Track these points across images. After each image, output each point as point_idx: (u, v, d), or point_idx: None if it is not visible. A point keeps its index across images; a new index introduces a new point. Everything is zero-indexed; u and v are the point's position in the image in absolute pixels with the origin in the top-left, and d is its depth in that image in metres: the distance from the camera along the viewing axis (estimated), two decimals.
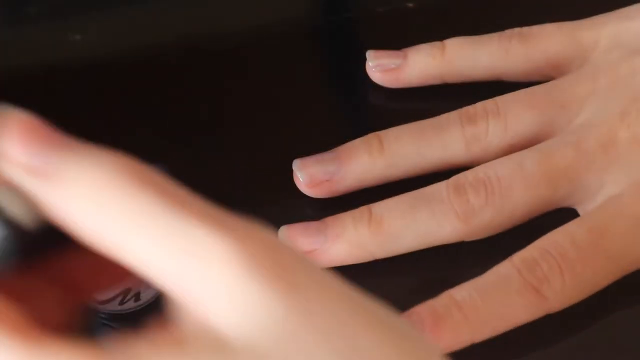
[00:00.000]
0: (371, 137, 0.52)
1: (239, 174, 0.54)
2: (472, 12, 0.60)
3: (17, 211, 0.29)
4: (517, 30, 0.54)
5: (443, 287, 0.50)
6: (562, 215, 0.50)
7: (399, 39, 0.56)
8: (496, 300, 0.46)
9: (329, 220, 0.50)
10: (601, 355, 0.48)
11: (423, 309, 0.46)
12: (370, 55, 0.56)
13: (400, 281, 0.50)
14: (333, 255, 0.49)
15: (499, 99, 0.52)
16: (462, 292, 0.47)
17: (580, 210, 0.50)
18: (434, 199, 0.49)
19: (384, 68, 0.55)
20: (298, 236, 0.50)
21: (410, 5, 0.60)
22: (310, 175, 0.52)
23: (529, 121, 0.51)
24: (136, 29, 0.60)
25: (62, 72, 0.58)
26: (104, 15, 0.60)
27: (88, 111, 0.56)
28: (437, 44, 0.55)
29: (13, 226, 0.29)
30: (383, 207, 0.50)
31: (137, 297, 0.48)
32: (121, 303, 0.48)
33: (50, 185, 0.29)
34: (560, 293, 0.47)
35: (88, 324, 0.31)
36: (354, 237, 0.49)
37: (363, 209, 0.50)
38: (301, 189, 0.52)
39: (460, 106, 0.53)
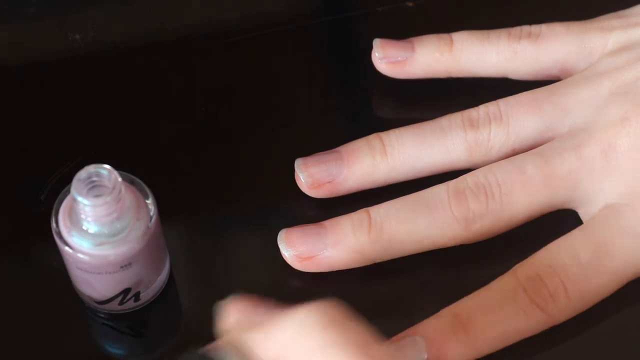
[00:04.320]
0: (374, 139, 0.52)
1: (239, 171, 0.54)
2: (472, 11, 0.59)
3: None
4: (526, 28, 0.54)
5: (443, 286, 0.50)
6: (562, 212, 0.51)
7: (399, 38, 0.56)
8: (502, 320, 0.47)
9: (328, 225, 0.50)
10: (601, 355, 0.49)
11: (429, 328, 0.47)
12: (377, 44, 0.55)
13: (401, 280, 0.50)
14: (333, 261, 0.49)
15: (502, 103, 0.52)
16: (467, 311, 0.47)
17: (580, 213, 0.50)
18: (435, 205, 0.49)
19: (391, 60, 0.55)
20: (297, 242, 0.50)
21: (410, 4, 0.60)
22: (311, 176, 0.51)
23: (532, 126, 0.51)
24: (136, 28, 0.60)
25: (62, 71, 0.58)
26: (103, 15, 0.60)
27: (88, 110, 0.56)
28: (444, 37, 0.55)
29: None
30: (383, 213, 0.49)
31: (137, 297, 0.48)
32: (121, 303, 0.48)
33: (262, 337, 0.38)
34: (564, 309, 0.47)
35: None
36: (353, 244, 0.49)
37: (362, 214, 0.50)
38: (302, 189, 0.52)
39: (463, 102, 0.53)
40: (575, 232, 0.49)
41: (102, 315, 0.49)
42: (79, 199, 0.45)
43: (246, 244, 0.52)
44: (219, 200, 0.54)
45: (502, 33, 0.54)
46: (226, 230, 0.53)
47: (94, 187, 0.45)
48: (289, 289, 0.51)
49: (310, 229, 0.50)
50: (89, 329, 0.50)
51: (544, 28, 0.54)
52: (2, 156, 0.55)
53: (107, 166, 0.45)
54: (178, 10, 0.60)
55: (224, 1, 0.61)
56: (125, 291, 0.48)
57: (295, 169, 0.52)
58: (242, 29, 0.59)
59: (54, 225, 0.47)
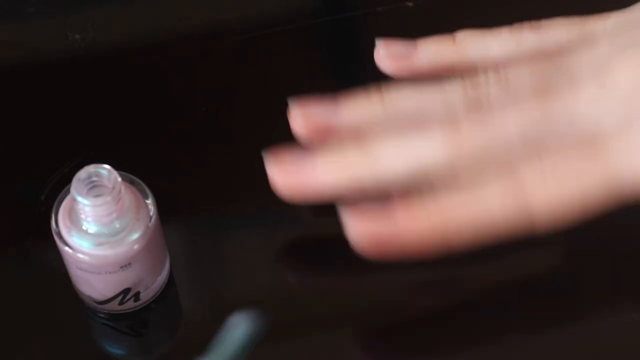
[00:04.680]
0: (372, 88, 0.51)
1: (239, 171, 0.54)
2: (472, 11, 0.60)
3: None
4: (527, 24, 0.54)
5: (444, 286, 0.50)
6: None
7: (399, 38, 0.56)
8: (474, 200, 0.46)
9: (316, 148, 0.49)
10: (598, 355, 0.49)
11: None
12: (380, 42, 0.55)
13: (400, 280, 0.50)
14: (319, 179, 0.48)
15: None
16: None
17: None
18: (424, 122, 0.49)
19: (395, 55, 0.54)
20: (283, 157, 0.49)
21: (410, 4, 0.60)
22: (306, 115, 0.50)
23: (529, 76, 0.50)
24: (136, 28, 0.60)
25: (62, 71, 0.58)
26: (103, 15, 0.60)
27: (88, 110, 0.56)
28: (447, 35, 0.54)
29: None
30: (372, 134, 0.49)
31: (137, 297, 0.48)
32: (121, 303, 0.48)
33: None
34: (543, 194, 0.46)
35: None
36: (340, 158, 0.48)
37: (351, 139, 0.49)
38: (293, 127, 0.51)
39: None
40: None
41: (102, 315, 0.49)
42: (79, 199, 0.45)
43: (246, 244, 0.52)
44: (219, 200, 0.54)
45: (504, 28, 0.54)
46: (226, 230, 0.53)
47: (93, 187, 0.45)
48: (289, 289, 0.51)
49: (296, 150, 0.49)
50: (89, 329, 0.50)
51: (544, 22, 0.54)
52: (2, 156, 0.55)
53: (107, 166, 0.45)
54: (178, 10, 0.60)
55: (224, 1, 0.61)
56: (125, 291, 0.48)
57: (290, 106, 0.51)
58: (242, 29, 0.59)
59: (53, 225, 0.47)
